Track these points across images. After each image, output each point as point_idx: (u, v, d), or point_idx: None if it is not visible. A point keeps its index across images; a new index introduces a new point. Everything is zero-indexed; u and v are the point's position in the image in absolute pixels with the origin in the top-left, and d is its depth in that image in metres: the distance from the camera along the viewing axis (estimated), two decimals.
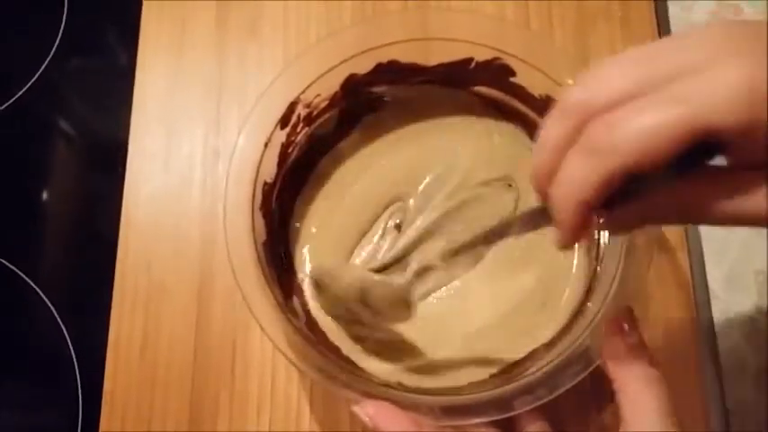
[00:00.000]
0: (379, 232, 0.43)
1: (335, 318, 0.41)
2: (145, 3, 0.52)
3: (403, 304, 0.38)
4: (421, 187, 0.44)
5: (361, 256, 0.43)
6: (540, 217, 0.29)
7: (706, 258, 0.45)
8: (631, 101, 0.22)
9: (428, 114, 0.45)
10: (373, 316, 0.39)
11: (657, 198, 0.24)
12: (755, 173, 0.22)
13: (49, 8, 0.54)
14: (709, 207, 0.23)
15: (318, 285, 0.40)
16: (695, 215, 0.24)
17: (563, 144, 0.24)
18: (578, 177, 0.23)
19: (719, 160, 0.24)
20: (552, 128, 0.25)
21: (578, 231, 0.25)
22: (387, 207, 0.44)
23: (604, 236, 0.39)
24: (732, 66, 0.21)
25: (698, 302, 0.45)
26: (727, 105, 0.21)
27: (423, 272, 0.41)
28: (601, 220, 0.26)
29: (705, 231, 0.46)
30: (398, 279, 0.38)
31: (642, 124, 0.22)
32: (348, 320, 0.41)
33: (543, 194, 0.26)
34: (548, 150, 0.25)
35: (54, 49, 0.53)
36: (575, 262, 0.42)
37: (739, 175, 0.23)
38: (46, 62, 0.53)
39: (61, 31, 0.53)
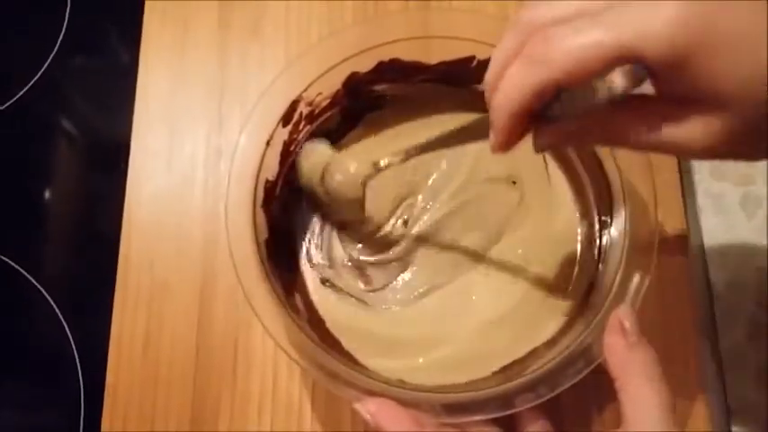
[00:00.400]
0: (388, 229, 0.43)
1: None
2: (147, 2, 0.52)
3: (355, 196, 0.39)
4: (428, 185, 0.44)
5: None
6: (483, 126, 0.30)
7: (708, 257, 0.45)
8: (573, 20, 0.24)
9: (430, 112, 0.45)
10: (329, 199, 0.41)
11: (586, 120, 0.27)
12: (680, 105, 0.24)
13: (52, 7, 0.54)
14: (632, 133, 0.26)
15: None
16: (618, 139, 0.27)
17: (510, 56, 0.26)
18: (515, 83, 0.26)
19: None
20: (504, 42, 0.27)
21: (511, 137, 0.28)
22: (391, 205, 0.44)
23: (605, 237, 0.39)
24: (668, 6, 0.22)
25: (699, 301, 0.45)
26: (654, 36, 0.22)
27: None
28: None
29: (707, 231, 0.46)
30: (354, 165, 0.39)
31: (575, 42, 0.24)
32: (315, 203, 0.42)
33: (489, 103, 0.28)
34: (497, 62, 0.27)
35: (56, 48, 0.53)
36: (577, 259, 0.42)
37: (664, 105, 0.25)
38: (48, 61, 0.53)
39: (63, 30, 0.53)
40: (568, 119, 0.27)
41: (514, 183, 0.44)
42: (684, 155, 0.25)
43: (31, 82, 0.52)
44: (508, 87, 0.26)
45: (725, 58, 0.22)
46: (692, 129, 0.24)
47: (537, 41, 0.25)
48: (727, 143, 0.24)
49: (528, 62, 0.25)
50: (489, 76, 0.28)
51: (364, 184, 0.40)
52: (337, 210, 0.42)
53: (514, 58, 0.26)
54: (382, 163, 0.39)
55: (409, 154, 0.37)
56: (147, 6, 0.52)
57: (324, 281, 0.42)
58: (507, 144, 0.28)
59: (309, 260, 0.43)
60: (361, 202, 0.41)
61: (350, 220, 0.43)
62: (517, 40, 0.26)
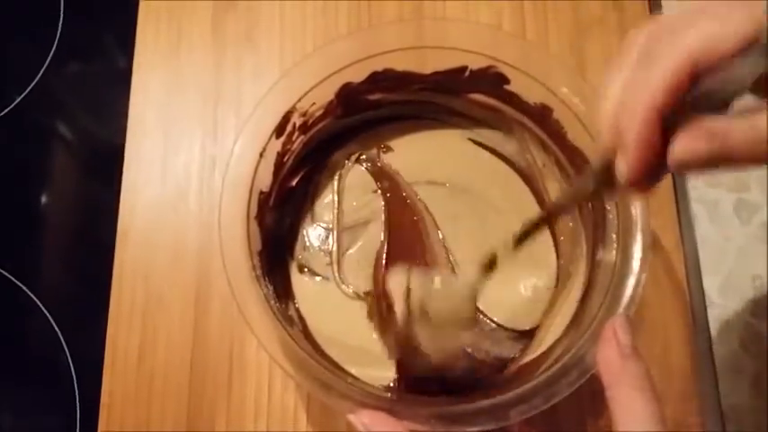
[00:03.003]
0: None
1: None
2: (141, 9, 0.52)
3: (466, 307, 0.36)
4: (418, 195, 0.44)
5: None
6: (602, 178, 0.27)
7: (702, 264, 0.45)
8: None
9: (423, 122, 0.45)
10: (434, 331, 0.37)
11: (731, 118, 0.23)
12: None
13: (46, 15, 0.54)
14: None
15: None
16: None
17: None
18: (644, 84, 0.23)
19: None
20: (613, 70, 0.24)
21: (648, 156, 0.23)
22: None
23: (598, 246, 0.39)
24: None
25: (694, 308, 0.45)
26: None
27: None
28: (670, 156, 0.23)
29: (701, 237, 0.46)
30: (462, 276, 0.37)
31: (707, 26, 0.22)
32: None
33: (611, 137, 0.25)
34: (613, 87, 0.24)
35: (51, 55, 0.53)
36: (569, 269, 0.42)
37: None
38: (43, 68, 0.53)
39: (58, 38, 0.53)
40: (710, 116, 0.23)
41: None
42: None
43: (28, 89, 0.52)
44: (638, 91, 0.23)
45: None
46: None
47: (660, 36, 0.23)
48: None
49: (653, 58, 0.22)
50: (605, 108, 0.25)
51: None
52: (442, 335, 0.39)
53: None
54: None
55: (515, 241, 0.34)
56: (142, 13, 0.52)
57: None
58: (644, 170, 0.24)
59: (303, 271, 0.43)
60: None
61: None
62: (632, 58, 0.24)
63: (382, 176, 0.45)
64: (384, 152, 0.45)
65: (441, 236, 0.43)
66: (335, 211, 0.44)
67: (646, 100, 0.22)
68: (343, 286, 0.42)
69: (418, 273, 0.37)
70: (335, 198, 0.44)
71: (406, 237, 0.43)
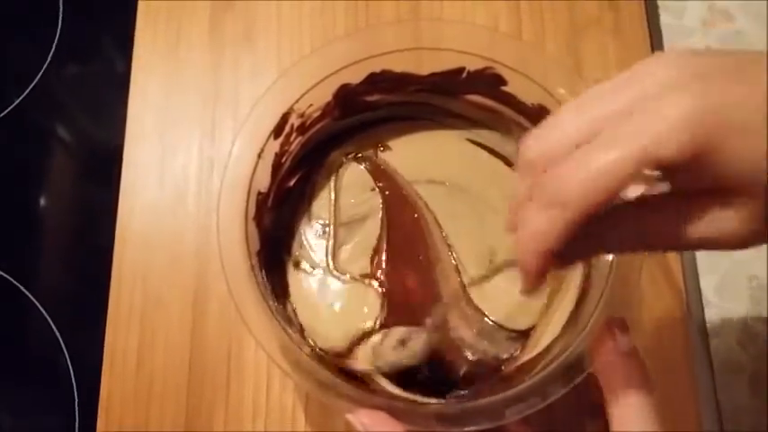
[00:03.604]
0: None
1: None
2: (140, 10, 0.52)
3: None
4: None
5: None
6: None
7: (699, 264, 0.45)
8: (582, 146, 0.23)
9: (421, 123, 0.45)
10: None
11: (618, 229, 0.25)
12: (709, 197, 0.23)
13: (45, 16, 0.54)
14: (668, 232, 0.24)
15: None
16: (655, 241, 0.25)
17: (527, 198, 0.25)
18: (538, 230, 0.24)
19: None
20: (518, 184, 0.26)
21: (541, 277, 0.26)
22: None
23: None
24: (675, 99, 0.22)
25: (691, 308, 0.45)
26: (669, 139, 0.21)
27: None
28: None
29: None
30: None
31: (588, 172, 0.22)
32: None
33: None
34: (514, 208, 0.26)
35: (50, 56, 0.53)
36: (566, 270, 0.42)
37: (697, 200, 0.24)
38: (42, 70, 0.53)
39: (57, 39, 0.53)
40: (599, 235, 0.26)
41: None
42: (725, 247, 0.24)
43: (27, 90, 0.52)
44: (532, 233, 0.25)
45: (746, 140, 0.21)
46: (725, 221, 0.23)
47: (551, 183, 0.24)
48: (764, 227, 0.23)
49: (547, 206, 0.24)
50: (509, 221, 0.27)
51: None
52: None
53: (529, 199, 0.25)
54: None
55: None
56: (140, 14, 0.52)
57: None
58: (538, 284, 0.27)
59: (298, 267, 0.43)
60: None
61: None
62: (529, 182, 0.25)
63: (380, 174, 0.45)
64: (382, 151, 0.46)
65: (444, 233, 0.43)
66: (332, 207, 0.44)
67: (538, 244, 0.25)
68: (336, 273, 0.42)
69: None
70: (332, 195, 0.44)
71: (407, 233, 0.43)
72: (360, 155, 0.45)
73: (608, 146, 0.22)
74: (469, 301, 0.42)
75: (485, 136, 0.46)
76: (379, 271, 0.42)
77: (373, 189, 0.44)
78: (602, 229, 0.25)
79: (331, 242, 0.43)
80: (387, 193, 0.44)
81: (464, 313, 0.42)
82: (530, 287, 0.27)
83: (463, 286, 0.42)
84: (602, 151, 0.22)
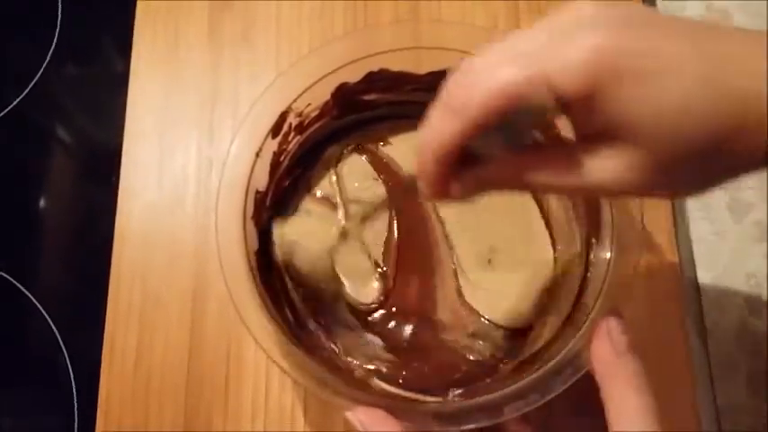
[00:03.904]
0: None
1: None
2: (139, 10, 0.52)
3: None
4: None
5: None
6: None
7: (697, 262, 0.46)
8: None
9: (415, 124, 0.45)
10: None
11: (504, 165, 0.27)
12: (596, 143, 0.25)
13: (44, 17, 0.54)
14: (545, 176, 0.26)
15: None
16: (533, 183, 0.27)
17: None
18: (435, 128, 0.26)
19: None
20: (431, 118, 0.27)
21: (437, 185, 0.28)
22: None
23: (592, 243, 0.39)
24: (583, 36, 0.23)
25: (689, 306, 0.45)
26: (567, 66, 0.23)
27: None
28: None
29: (696, 235, 0.46)
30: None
31: (489, 83, 0.24)
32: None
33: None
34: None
35: (49, 56, 0.53)
36: (564, 268, 0.42)
37: (580, 146, 0.25)
38: (41, 70, 0.53)
39: (55, 39, 0.54)
40: (487, 164, 0.27)
41: None
42: (603, 194, 0.25)
43: (26, 90, 0.52)
44: (431, 131, 0.26)
45: (640, 88, 0.22)
46: (608, 167, 0.24)
47: (453, 87, 0.25)
48: (643, 180, 0.24)
49: (444, 109, 0.26)
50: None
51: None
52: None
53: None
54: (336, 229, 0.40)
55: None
56: (139, 14, 0.52)
57: None
58: (436, 193, 0.28)
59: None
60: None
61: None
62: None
63: (383, 167, 0.45)
64: (383, 146, 0.46)
65: (446, 231, 0.43)
66: (336, 186, 0.44)
67: (435, 142, 0.26)
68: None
69: None
70: (334, 178, 0.44)
71: (414, 229, 0.44)
72: (360, 146, 0.45)
73: (514, 64, 0.24)
74: (464, 303, 0.42)
75: None
76: (387, 268, 0.43)
77: (376, 179, 0.45)
78: (492, 164, 0.27)
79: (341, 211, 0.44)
80: (390, 185, 0.44)
81: (459, 315, 0.42)
82: (427, 192, 0.28)
83: (459, 290, 0.42)
84: (506, 67, 0.24)
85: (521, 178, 0.27)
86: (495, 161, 0.27)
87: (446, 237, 0.43)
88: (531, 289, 0.42)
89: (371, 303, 0.42)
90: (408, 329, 0.42)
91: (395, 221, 0.44)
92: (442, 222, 0.44)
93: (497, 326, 0.41)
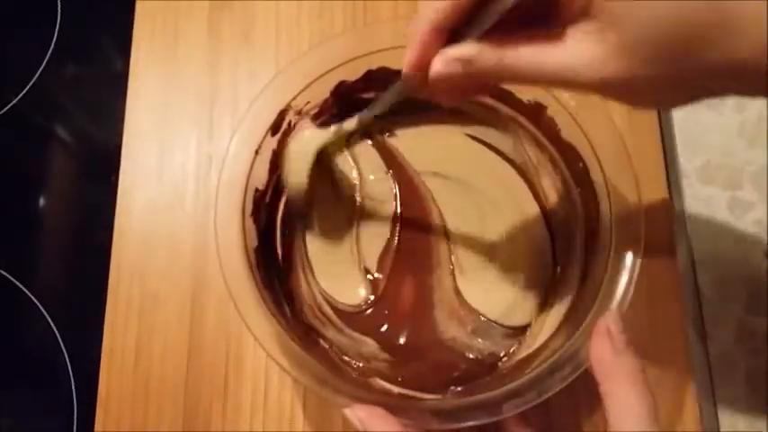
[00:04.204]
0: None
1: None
2: (137, 10, 0.52)
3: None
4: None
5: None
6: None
7: (696, 261, 0.46)
8: None
9: (417, 120, 0.45)
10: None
11: (482, 43, 0.27)
12: (572, 25, 0.25)
13: (42, 16, 0.54)
14: (520, 55, 0.26)
15: None
16: (508, 65, 0.27)
17: None
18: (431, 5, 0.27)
19: None
20: None
21: (422, 56, 0.28)
22: None
23: (592, 242, 0.39)
24: None
25: (688, 304, 0.45)
26: None
27: None
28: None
29: (695, 234, 0.46)
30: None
31: None
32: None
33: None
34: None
35: (48, 56, 0.53)
36: (563, 264, 0.42)
37: (557, 28, 0.26)
38: (40, 69, 0.53)
39: (55, 39, 0.54)
40: (469, 42, 0.28)
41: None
42: (577, 84, 0.26)
43: (24, 90, 0.52)
44: (422, 6, 0.27)
45: None
46: (584, 47, 0.25)
47: None
48: (616, 66, 0.24)
49: None
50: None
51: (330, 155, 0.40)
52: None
53: None
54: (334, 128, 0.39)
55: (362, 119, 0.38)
56: (138, 13, 0.52)
57: None
58: (417, 63, 0.29)
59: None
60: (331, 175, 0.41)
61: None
62: None
63: (391, 160, 0.45)
64: (388, 137, 0.46)
65: (447, 229, 0.44)
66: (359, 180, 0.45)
67: (430, 13, 0.27)
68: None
69: None
70: (352, 162, 0.45)
71: (417, 230, 0.44)
72: (368, 132, 0.45)
73: None
74: (463, 302, 0.42)
75: (482, 132, 0.46)
76: (380, 274, 0.43)
77: (387, 172, 0.45)
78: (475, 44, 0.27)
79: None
80: (398, 181, 0.45)
81: (457, 315, 0.42)
82: (408, 61, 0.29)
83: (457, 290, 0.42)
84: None
85: (501, 60, 0.27)
86: (478, 41, 0.28)
87: (447, 235, 0.43)
88: (529, 286, 0.42)
89: (358, 306, 0.42)
90: (403, 330, 0.41)
91: (398, 226, 0.44)
92: (444, 220, 0.44)
93: (496, 323, 0.41)
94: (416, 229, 0.44)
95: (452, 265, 0.43)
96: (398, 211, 0.44)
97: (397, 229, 0.44)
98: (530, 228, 0.44)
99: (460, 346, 0.41)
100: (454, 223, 0.44)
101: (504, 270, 0.43)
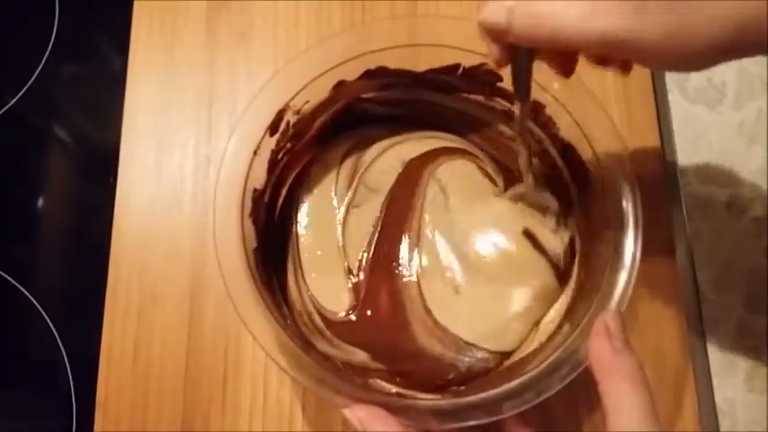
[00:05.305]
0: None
1: None
2: (135, 9, 0.52)
3: None
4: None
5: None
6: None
7: (695, 259, 0.46)
8: None
9: (417, 119, 0.45)
10: None
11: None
12: None
13: (40, 16, 0.54)
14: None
15: None
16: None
17: None
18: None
19: None
20: None
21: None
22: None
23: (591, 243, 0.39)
24: None
25: (687, 303, 0.45)
26: None
27: None
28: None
29: (694, 232, 0.46)
30: None
31: None
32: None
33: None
34: None
35: (46, 56, 0.53)
36: (562, 266, 0.42)
37: None
38: (38, 70, 0.53)
39: (53, 39, 0.54)
40: None
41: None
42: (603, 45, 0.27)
43: (23, 90, 0.52)
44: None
45: None
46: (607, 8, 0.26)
47: None
48: (630, 22, 0.26)
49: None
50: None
51: None
52: None
53: None
54: None
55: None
56: (136, 13, 0.52)
57: None
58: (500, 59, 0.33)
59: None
60: None
61: None
62: None
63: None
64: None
65: (432, 239, 0.43)
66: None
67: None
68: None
69: None
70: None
71: (397, 225, 0.43)
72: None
73: None
74: (436, 323, 0.40)
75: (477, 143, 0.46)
76: (363, 275, 0.42)
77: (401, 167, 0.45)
78: None
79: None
80: (400, 179, 0.44)
81: (435, 334, 0.40)
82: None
83: (427, 310, 0.41)
84: None
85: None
86: None
87: (432, 244, 0.42)
88: (518, 309, 0.41)
89: (344, 313, 0.41)
90: (389, 341, 0.40)
91: (380, 224, 0.43)
92: (432, 234, 0.43)
93: (478, 347, 0.40)
94: (395, 229, 0.43)
95: (419, 280, 0.41)
96: (385, 208, 0.43)
97: (379, 228, 0.43)
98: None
99: (450, 359, 0.40)
100: (442, 236, 0.42)
101: (492, 287, 0.41)
